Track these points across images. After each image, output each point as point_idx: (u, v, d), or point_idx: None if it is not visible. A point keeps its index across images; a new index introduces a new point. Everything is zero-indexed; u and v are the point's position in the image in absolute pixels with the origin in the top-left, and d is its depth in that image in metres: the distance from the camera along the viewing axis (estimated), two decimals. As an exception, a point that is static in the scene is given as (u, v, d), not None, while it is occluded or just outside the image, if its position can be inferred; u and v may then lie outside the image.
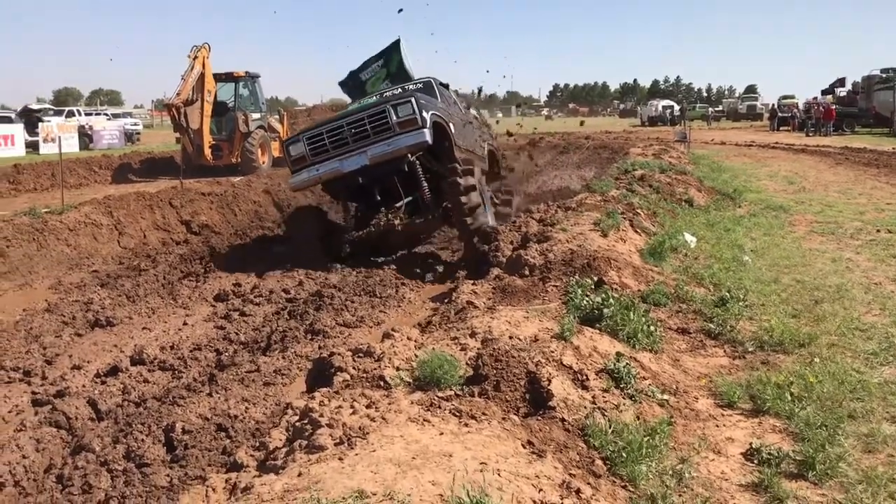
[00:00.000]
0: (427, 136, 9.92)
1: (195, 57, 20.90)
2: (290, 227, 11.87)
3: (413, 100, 10.08)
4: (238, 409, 5.36)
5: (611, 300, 5.52)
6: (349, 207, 11.64)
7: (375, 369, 4.16)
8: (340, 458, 3.04)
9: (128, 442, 5.00)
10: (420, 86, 12.31)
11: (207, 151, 21.71)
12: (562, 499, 2.82)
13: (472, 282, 7.35)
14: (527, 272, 7.13)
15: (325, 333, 7.17)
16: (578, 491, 2.92)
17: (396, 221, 10.36)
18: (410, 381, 3.97)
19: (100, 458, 4.87)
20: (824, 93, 49.04)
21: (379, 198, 10.93)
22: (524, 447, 3.29)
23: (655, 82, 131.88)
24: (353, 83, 14.53)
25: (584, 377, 4.19)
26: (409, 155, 10.14)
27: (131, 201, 13.31)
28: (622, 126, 53.57)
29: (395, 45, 14.18)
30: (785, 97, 55.59)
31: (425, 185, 10.47)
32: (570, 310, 5.51)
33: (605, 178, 15.15)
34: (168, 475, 4.66)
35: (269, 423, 4.92)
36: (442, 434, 3.27)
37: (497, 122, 30.49)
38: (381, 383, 3.94)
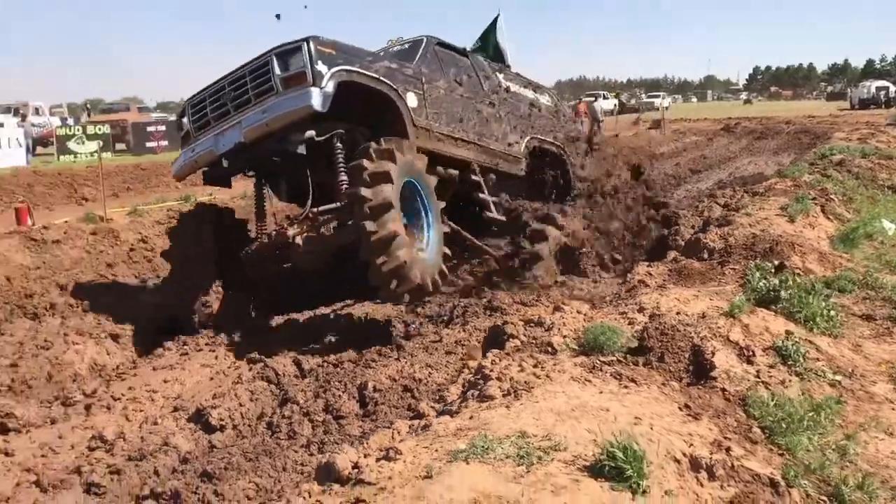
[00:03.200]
0: (314, 98, 6.40)
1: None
2: (171, 249, 7.99)
3: (306, 45, 6.58)
4: (422, 373, 5.89)
5: (789, 283, 5.44)
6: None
7: (544, 336, 4.50)
8: (507, 407, 3.41)
9: (326, 397, 5.70)
10: (405, 46, 8.75)
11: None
12: (711, 454, 2.99)
13: (647, 264, 7.46)
14: (705, 255, 7.12)
15: (502, 310, 7.59)
16: (729, 449, 3.07)
17: (291, 232, 6.94)
18: (576, 347, 4.25)
19: (303, 409, 5.60)
20: None
21: (286, 198, 8.35)
22: (680, 409, 3.47)
23: (870, 62, 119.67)
24: None
25: (751, 353, 4.25)
26: (301, 130, 6.79)
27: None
28: (828, 110, 49.45)
29: (493, 23, 11.93)
30: None
31: (342, 176, 6.88)
32: (746, 291, 5.50)
33: (799, 163, 14.34)
34: (360, 426, 5.28)
35: (448, 384, 5.41)
36: (601, 393, 3.54)
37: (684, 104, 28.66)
38: (549, 349, 4.27)
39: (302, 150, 6.83)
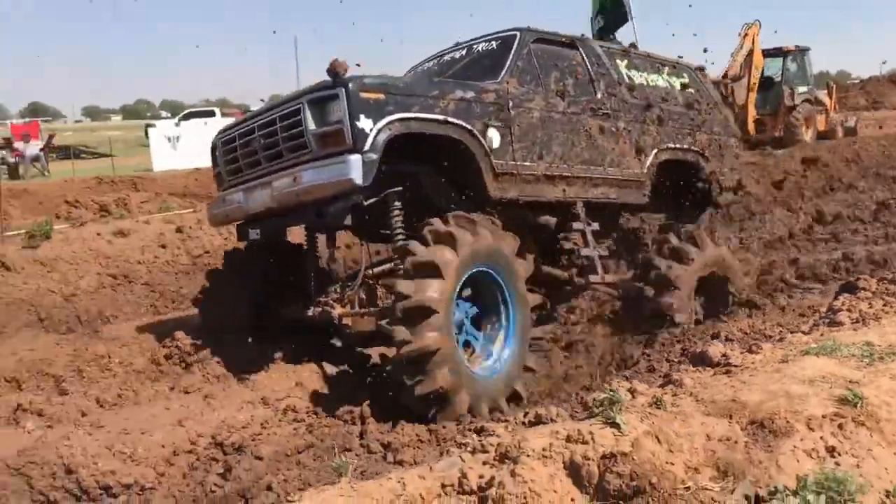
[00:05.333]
0: (353, 169, 4.93)
1: (745, 35, 21.93)
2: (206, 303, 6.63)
3: (344, 92, 5.01)
4: (773, 331, 6.52)
5: None
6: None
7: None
8: (854, 330, 4.16)
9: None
10: (491, 46, 6.69)
11: (751, 125, 22.62)
12: None
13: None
14: None
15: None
16: None
17: (335, 312, 5.79)
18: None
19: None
20: None
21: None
22: None
23: None
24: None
25: None
26: (343, 199, 5.17)
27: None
28: None
29: None
30: None
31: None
32: None
33: None
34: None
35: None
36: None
37: None
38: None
39: (347, 221, 5.29)
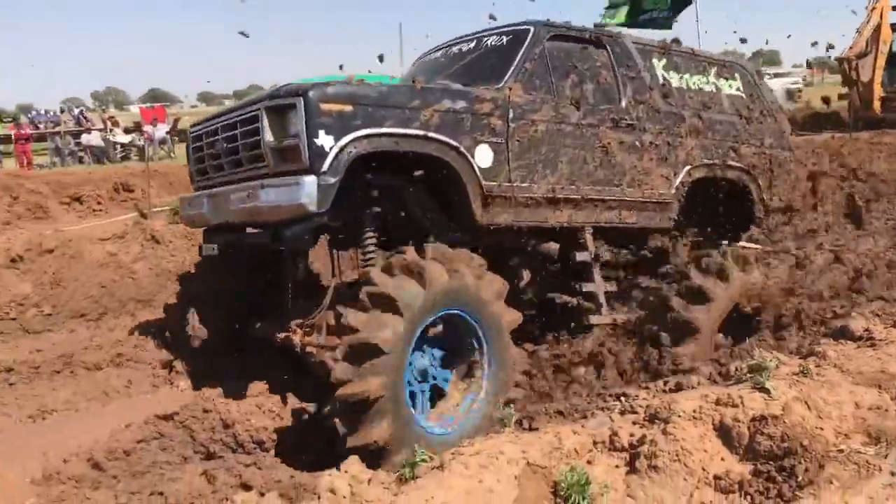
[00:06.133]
0: (304, 193, 4.21)
1: (873, 8, 20.78)
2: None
3: (302, 103, 4.24)
4: None
5: None
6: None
7: None
8: None
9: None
10: (501, 41, 5.70)
11: (877, 104, 21.46)
12: None
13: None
14: None
15: None
16: None
17: (296, 339, 4.92)
18: None
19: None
20: None
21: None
22: None
23: None
24: None
25: None
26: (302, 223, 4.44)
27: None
28: None
29: None
30: None
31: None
32: None
33: None
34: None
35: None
36: None
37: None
38: None
39: (309, 245, 4.77)
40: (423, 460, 2.67)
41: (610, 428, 3.03)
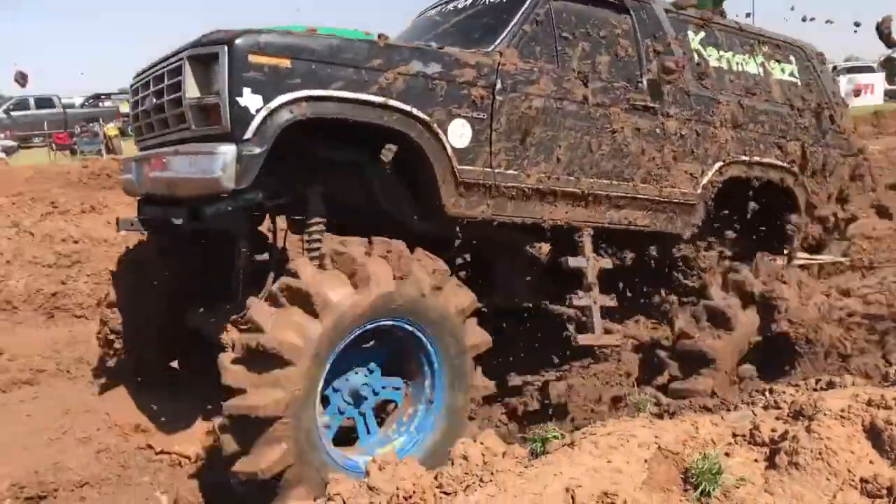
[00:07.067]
0: (216, 167, 3.36)
1: None
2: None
3: (225, 52, 3.38)
4: None
5: None
6: None
7: None
8: None
9: None
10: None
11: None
12: None
13: None
14: None
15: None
16: None
17: (225, 337, 3.87)
18: None
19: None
20: None
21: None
22: None
23: None
24: None
25: None
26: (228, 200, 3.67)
27: None
28: None
29: None
30: None
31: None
32: None
33: None
34: None
35: None
36: None
37: None
38: None
39: (237, 227, 4.19)
40: (555, 437, 2.76)
41: (752, 421, 2.98)
